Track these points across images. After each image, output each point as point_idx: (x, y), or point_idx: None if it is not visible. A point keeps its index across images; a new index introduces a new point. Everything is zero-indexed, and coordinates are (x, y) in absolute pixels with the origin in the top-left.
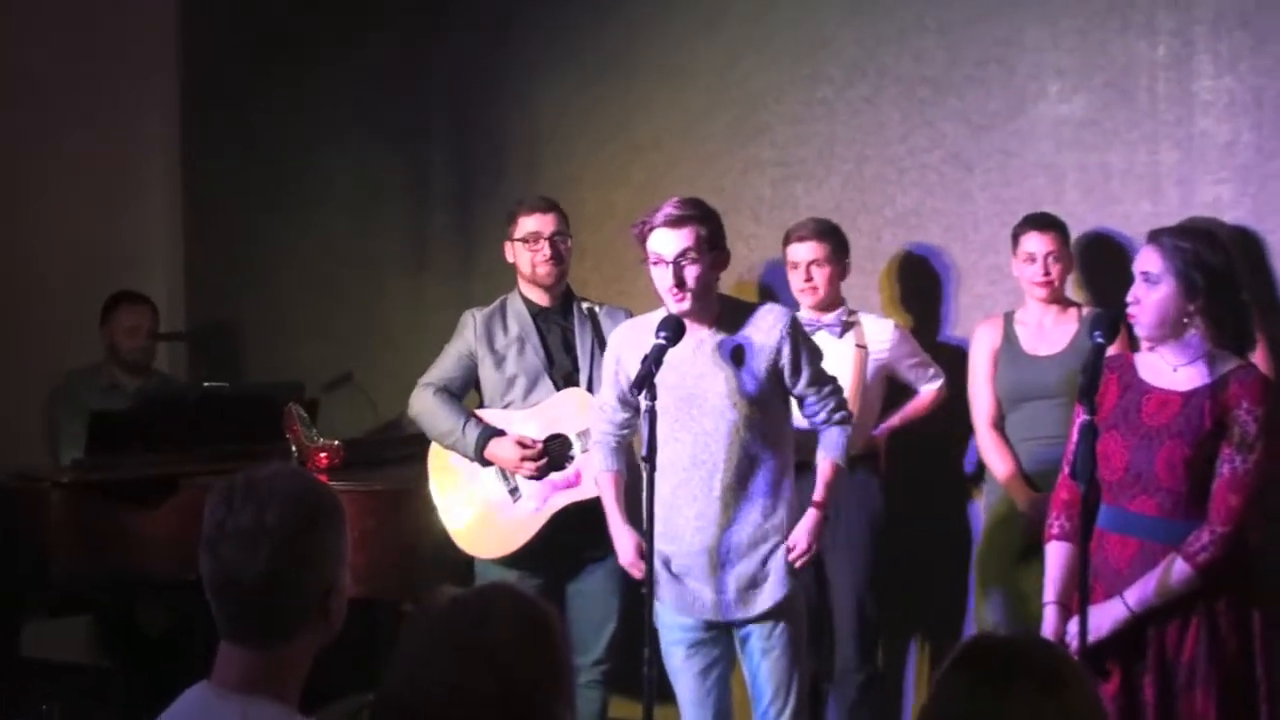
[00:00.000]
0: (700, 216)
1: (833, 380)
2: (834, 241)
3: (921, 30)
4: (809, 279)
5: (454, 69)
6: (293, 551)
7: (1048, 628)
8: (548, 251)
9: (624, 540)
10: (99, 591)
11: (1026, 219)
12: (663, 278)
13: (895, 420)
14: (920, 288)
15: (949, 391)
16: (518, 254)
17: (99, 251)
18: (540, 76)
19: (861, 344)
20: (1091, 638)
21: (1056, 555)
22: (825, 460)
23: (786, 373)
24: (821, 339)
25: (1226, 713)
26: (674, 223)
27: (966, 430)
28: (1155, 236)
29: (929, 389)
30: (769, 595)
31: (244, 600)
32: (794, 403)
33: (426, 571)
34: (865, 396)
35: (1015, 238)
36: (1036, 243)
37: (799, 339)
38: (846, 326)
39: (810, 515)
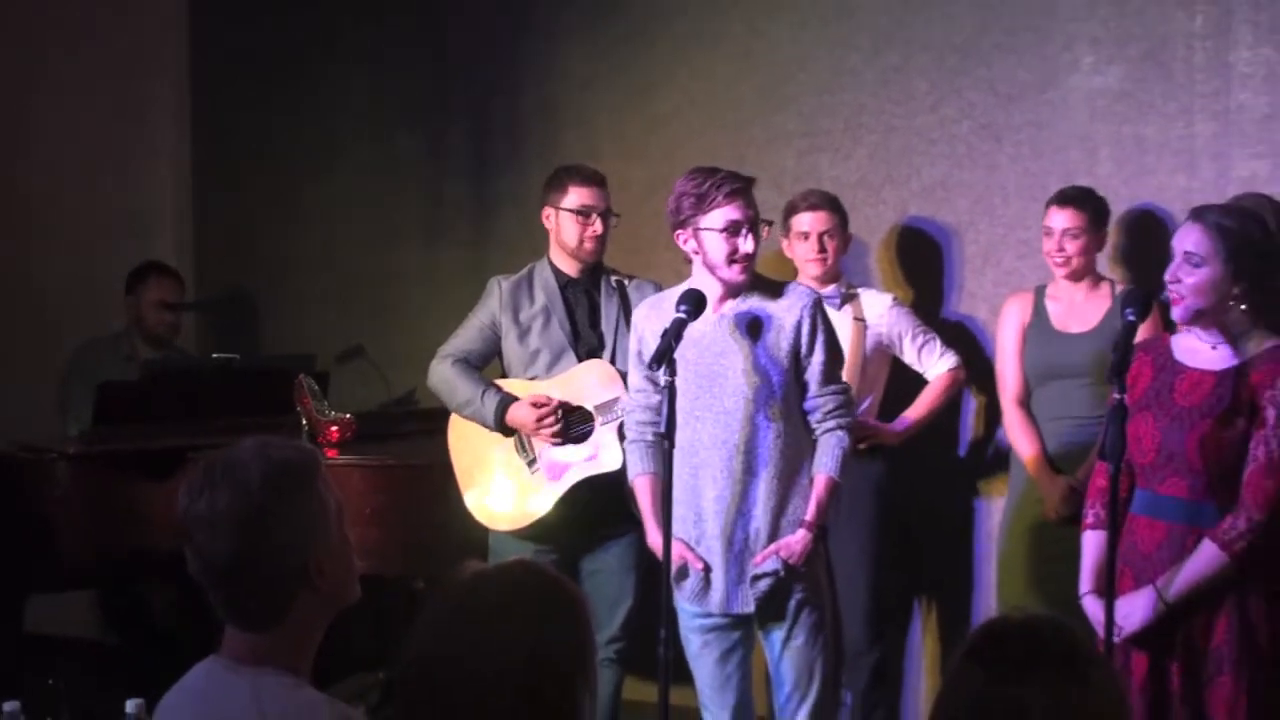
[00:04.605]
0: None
1: (843, 383)
2: (841, 213)
3: None
4: (821, 250)
5: (473, 37)
6: (252, 532)
7: (1094, 618)
8: (599, 227)
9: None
10: (105, 566)
11: (1055, 193)
12: (731, 245)
13: (915, 413)
14: (945, 263)
15: (966, 371)
16: (561, 224)
17: (107, 219)
18: (560, 45)
19: (860, 317)
20: (1125, 629)
21: (1093, 544)
22: (820, 474)
23: (802, 353)
24: None
25: (1256, 700)
26: (745, 190)
27: (983, 403)
28: (1200, 215)
29: (939, 371)
30: (788, 588)
31: (225, 585)
32: None
33: (439, 548)
34: (865, 371)
35: (1045, 211)
36: (1055, 218)
37: (819, 321)
38: (846, 299)
39: (800, 536)
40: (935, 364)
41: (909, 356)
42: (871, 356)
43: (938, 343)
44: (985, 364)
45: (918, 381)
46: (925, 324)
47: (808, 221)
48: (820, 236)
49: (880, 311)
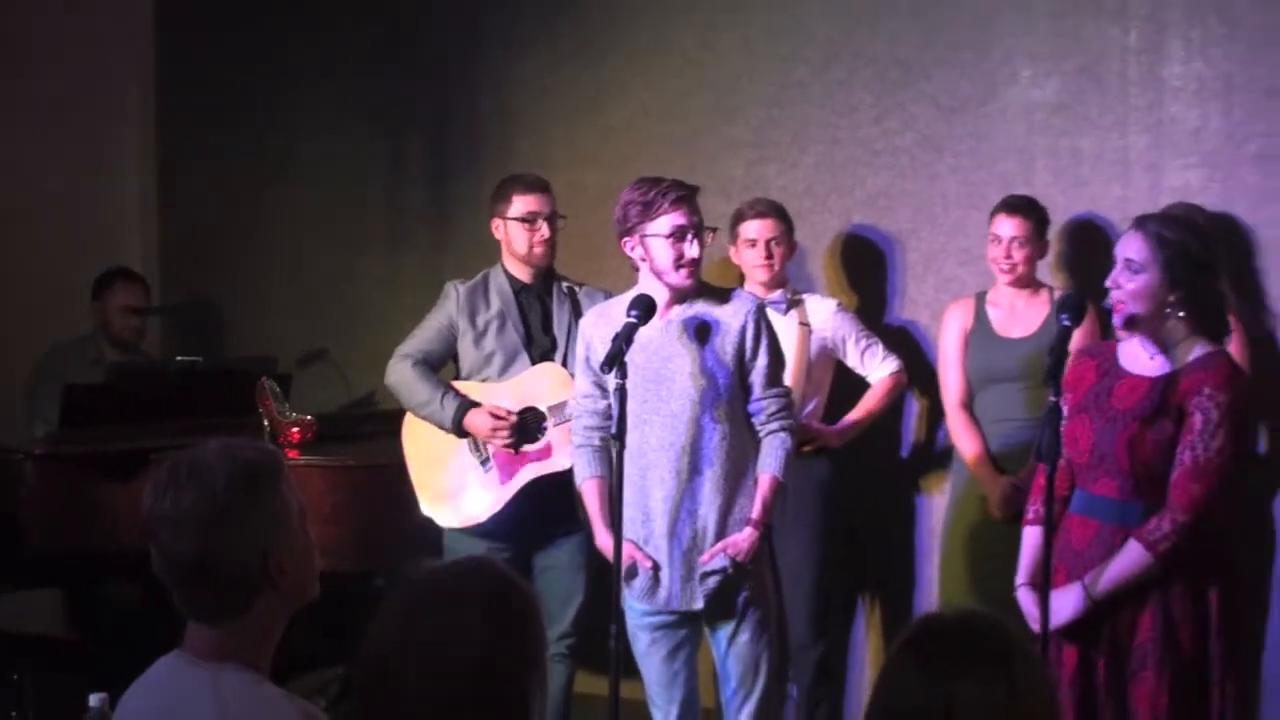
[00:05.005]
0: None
1: (785, 386)
2: (787, 220)
3: (895, 12)
4: (769, 256)
5: (431, 48)
6: (215, 530)
7: (1026, 609)
8: (546, 232)
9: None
10: (71, 563)
11: (1001, 201)
12: (677, 250)
13: (855, 415)
14: (888, 270)
15: (908, 374)
16: (510, 232)
17: (74, 225)
18: (516, 56)
19: (805, 322)
20: (1053, 623)
21: (1031, 539)
22: (764, 474)
23: (746, 356)
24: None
25: (1177, 697)
26: (689, 197)
27: (925, 406)
28: (1141, 223)
29: (882, 375)
30: (735, 585)
31: (187, 582)
32: None
33: (397, 546)
34: (810, 375)
35: (990, 219)
36: (1003, 226)
37: (762, 326)
38: (791, 304)
39: (746, 534)
40: (878, 368)
41: (852, 360)
42: (816, 360)
43: (880, 347)
44: (927, 367)
45: (861, 385)
46: (868, 329)
47: (755, 229)
48: (768, 243)
49: (825, 316)
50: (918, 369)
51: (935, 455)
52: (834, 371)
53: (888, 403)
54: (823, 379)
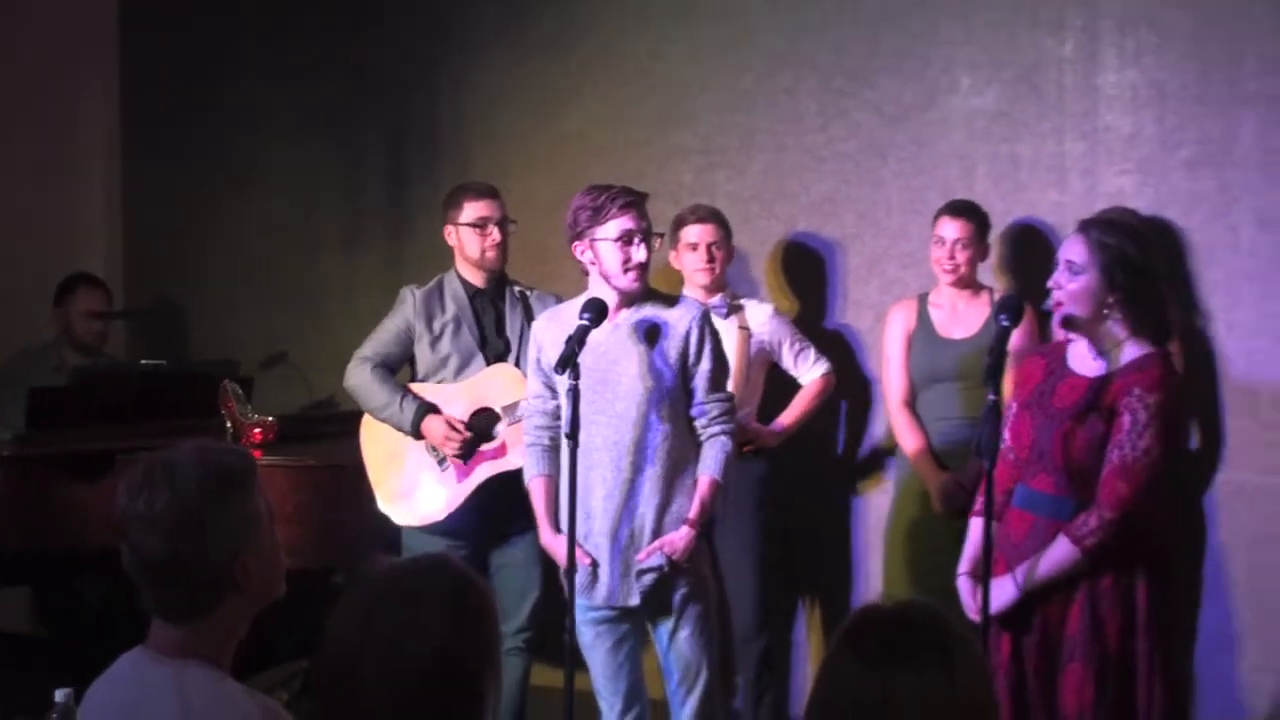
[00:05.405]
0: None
1: (727, 391)
2: (726, 226)
3: (839, 23)
4: (710, 260)
5: (389, 55)
6: (188, 531)
7: (964, 598)
8: (497, 236)
9: (556, 549)
10: (39, 562)
11: (945, 204)
12: (625, 254)
13: (789, 418)
14: (833, 272)
15: (852, 375)
16: (463, 237)
17: (37, 230)
18: (472, 63)
19: (744, 326)
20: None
21: (975, 530)
22: (704, 476)
23: (690, 361)
24: None
25: (1103, 689)
26: (638, 203)
27: (863, 406)
28: (1085, 227)
29: (812, 377)
30: (673, 583)
31: (158, 581)
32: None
33: (358, 543)
34: (749, 377)
35: (934, 221)
36: (947, 228)
37: (706, 332)
38: (731, 310)
39: (683, 533)
40: (809, 370)
41: (787, 363)
42: (754, 363)
43: (812, 350)
44: (869, 368)
45: (792, 386)
46: (803, 333)
47: (696, 233)
48: (709, 247)
49: (762, 320)
50: (860, 370)
51: (874, 453)
52: (766, 374)
53: (819, 403)
54: (758, 381)
